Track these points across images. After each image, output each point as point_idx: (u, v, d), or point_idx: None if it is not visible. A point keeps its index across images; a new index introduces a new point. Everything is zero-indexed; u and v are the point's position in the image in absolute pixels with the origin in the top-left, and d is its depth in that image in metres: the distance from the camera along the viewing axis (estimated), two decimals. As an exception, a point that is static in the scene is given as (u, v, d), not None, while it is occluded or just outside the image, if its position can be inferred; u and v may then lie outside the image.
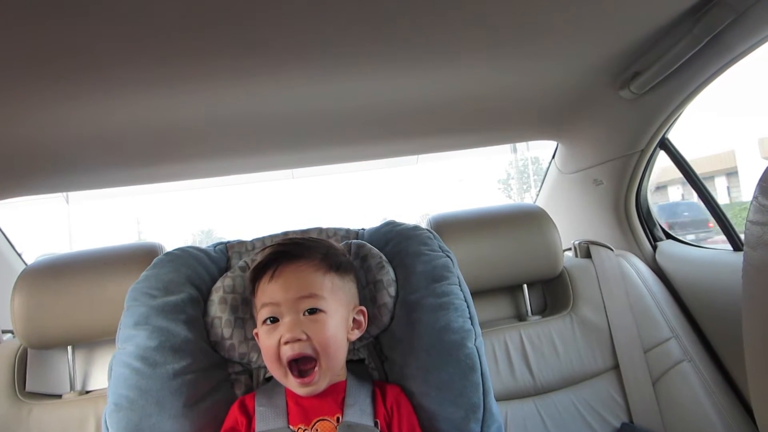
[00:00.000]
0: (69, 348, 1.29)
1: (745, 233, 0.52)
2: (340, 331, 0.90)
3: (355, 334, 0.95)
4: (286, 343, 0.85)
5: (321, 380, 0.87)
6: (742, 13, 0.97)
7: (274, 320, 0.88)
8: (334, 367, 0.89)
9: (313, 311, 0.88)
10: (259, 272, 0.92)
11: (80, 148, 1.34)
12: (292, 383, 0.87)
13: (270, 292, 0.89)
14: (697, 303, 1.46)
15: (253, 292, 0.93)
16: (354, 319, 0.95)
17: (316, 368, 0.86)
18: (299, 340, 0.85)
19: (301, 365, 0.86)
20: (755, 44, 1.06)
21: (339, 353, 0.90)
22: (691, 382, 1.34)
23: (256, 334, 0.95)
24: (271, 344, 0.86)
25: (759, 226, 0.48)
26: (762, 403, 0.50)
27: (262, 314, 0.89)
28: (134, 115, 1.19)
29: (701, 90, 1.22)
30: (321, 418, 0.87)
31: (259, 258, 0.94)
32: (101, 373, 1.32)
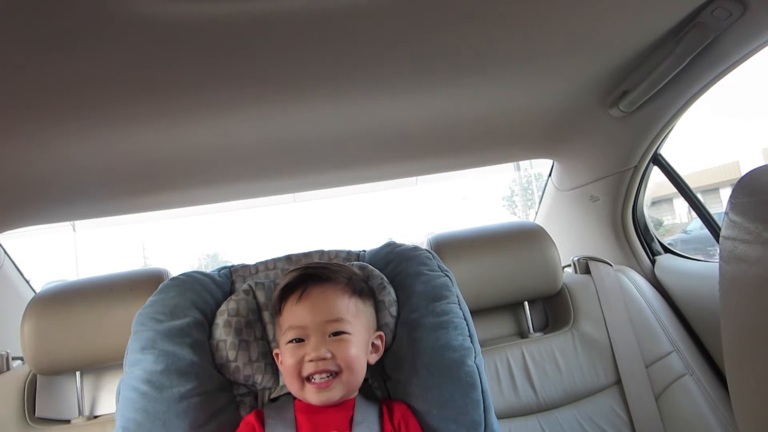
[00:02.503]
0: (77, 374, 1.31)
1: (719, 248, 0.54)
2: (361, 353, 0.94)
3: (374, 358, 0.99)
4: (311, 361, 0.88)
5: (337, 390, 0.90)
6: (721, 32, 1.01)
7: (300, 341, 0.91)
8: (352, 384, 0.92)
9: (338, 333, 0.91)
10: (286, 293, 0.95)
11: (84, 179, 1.37)
12: (309, 390, 0.89)
13: (297, 315, 0.92)
14: (697, 316, 1.47)
15: (279, 311, 0.96)
16: (372, 343, 0.99)
17: (335, 379, 0.89)
18: (324, 358, 0.88)
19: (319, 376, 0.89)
20: (737, 62, 1.09)
21: (360, 372, 0.94)
22: (693, 395, 1.35)
23: (276, 354, 0.99)
24: (294, 362, 0.90)
25: (731, 241, 0.50)
26: (744, 414, 0.52)
27: (287, 335, 0.92)
28: (136, 145, 1.23)
29: (689, 106, 1.25)
30: None
31: (286, 279, 0.97)
32: (109, 397, 1.34)
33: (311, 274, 0.96)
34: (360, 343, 0.94)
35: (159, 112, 1.08)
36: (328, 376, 0.89)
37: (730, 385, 0.53)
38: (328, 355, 0.89)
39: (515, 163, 5.27)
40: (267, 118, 1.20)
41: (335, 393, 0.90)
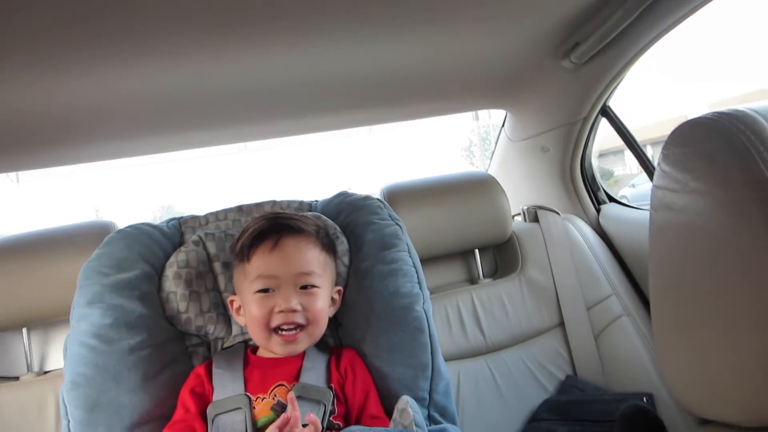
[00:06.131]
0: (24, 330, 1.29)
1: (650, 197, 0.56)
2: (326, 306, 0.96)
3: (332, 311, 1.01)
4: (281, 312, 0.89)
5: (302, 343, 0.92)
6: None
7: (267, 291, 0.91)
8: (316, 337, 0.95)
9: (308, 286, 0.92)
10: (258, 240, 0.94)
11: (26, 126, 1.30)
12: (276, 342, 0.91)
13: (269, 265, 0.92)
14: (636, 261, 1.55)
15: (248, 258, 0.94)
16: (332, 297, 1.00)
17: (302, 332, 0.91)
18: (295, 311, 0.89)
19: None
20: (686, 14, 1.11)
21: (324, 326, 0.96)
22: (629, 335, 1.43)
23: (231, 302, 0.99)
24: (263, 313, 0.90)
25: (661, 190, 0.52)
26: (664, 350, 0.56)
27: (255, 284, 0.92)
28: (80, 91, 1.16)
29: (637, 59, 1.28)
30: (279, 383, 0.91)
31: (257, 225, 0.95)
32: (58, 353, 1.32)
33: (285, 224, 0.95)
34: (326, 296, 0.96)
35: (98, 57, 1.02)
36: (295, 329, 0.91)
37: (653, 326, 0.57)
38: (299, 308, 0.90)
39: (474, 113, 5.27)
40: (214, 65, 1.16)
41: (301, 346, 0.93)
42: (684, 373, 0.51)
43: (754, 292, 0.41)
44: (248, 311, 0.93)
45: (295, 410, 0.79)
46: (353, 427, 0.79)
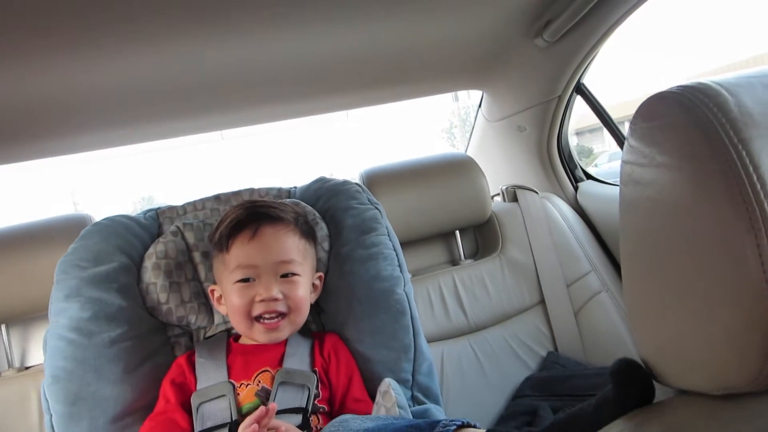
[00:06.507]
0: (3, 326, 1.27)
1: (620, 172, 0.57)
2: (307, 293, 0.96)
3: (313, 297, 1.01)
4: (262, 301, 0.89)
5: (285, 331, 0.93)
6: None
7: (248, 280, 0.91)
8: (298, 324, 0.95)
9: (288, 274, 0.92)
10: (236, 230, 0.93)
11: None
12: (258, 330, 0.91)
13: (249, 255, 0.91)
14: (613, 237, 1.57)
15: (227, 248, 0.94)
16: (313, 284, 1.00)
17: (284, 320, 0.92)
18: (276, 299, 0.90)
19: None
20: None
21: (306, 313, 0.96)
22: (607, 310, 1.46)
23: (212, 291, 0.98)
24: (244, 302, 0.90)
25: (629, 165, 0.53)
26: (636, 324, 0.57)
27: (235, 274, 0.92)
28: (54, 82, 1.14)
29: (609, 35, 1.28)
30: (263, 369, 0.91)
31: (234, 215, 0.95)
32: (39, 348, 1.31)
33: (263, 213, 0.95)
34: (307, 284, 0.96)
35: (67, 44, 1.00)
36: (276, 317, 0.91)
37: (625, 300, 0.58)
38: (280, 296, 0.90)
39: (453, 94, 5.26)
40: (193, 54, 1.14)
41: (283, 333, 0.93)
42: (654, 345, 0.53)
43: (717, 263, 0.42)
44: (229, 301, 0.93)
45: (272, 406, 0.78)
46: (345, 416, 0.79)
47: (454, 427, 0.68)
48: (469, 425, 0.70)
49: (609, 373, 0.53)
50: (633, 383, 0.51)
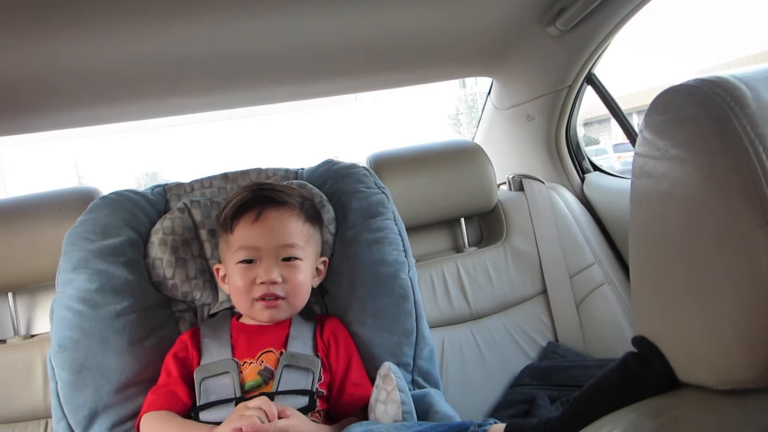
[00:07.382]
0: (10, 294, 1.29)
1: (632, 164, 0.57)
2: (308, 278, 0.96)
3: (317, 282, 1.02)
4: (262, 283, 0.90)
5: (283, 311, 0.93)
6: None
7: (250, 261, 0.92)
8: (296, 308, 0.96)
9: (290, 258, 0.93)
10: (240, 211, 0.93)
11: (6, 90, 1.27)
12: (258, 308, 0.92)
13: (251, 236, 0.92)
14: (619, 230, 1.57)
15: (231, 229, 0.94)
16: (317, 268, 1.01)
17: (283, 301, 0.92)
18: (275, 282, 0.90)
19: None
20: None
21: (305, 297, 0.97)
22: (610, 302, 1.47)
23: (217, 270, 0.99)
24: (245, 283, 0.91)
25: (642, 158, 0.53)
26: (640, 315, 0.57)
27: (237, 255, 0.92)
28: (63, 55, 1.14)
29: (623, 25, 1.27)
30: (267, 349, 0.92)
31: (239, 197, 0.95)
32: (45, 317, 1.33)
33: (267, 196, 0.95)
34: (308, 268, 0.97)
35: (86, 18, 0.99)
36: (275, 299, 0.92)
37: (632, 292, 0.58)
38: (279, 280, 0.91)
39: (461, 80, 5.23)
40: (204, 30, 1.13)
41: (282, 314, 0.94)
42: (659, 338, 0.53)
43: (728, 258, 0.42)
44: (231, 281, 0.94)
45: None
46: (369, 425, 0.80)
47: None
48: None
49: (626, 356, 0.53)
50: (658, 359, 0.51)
